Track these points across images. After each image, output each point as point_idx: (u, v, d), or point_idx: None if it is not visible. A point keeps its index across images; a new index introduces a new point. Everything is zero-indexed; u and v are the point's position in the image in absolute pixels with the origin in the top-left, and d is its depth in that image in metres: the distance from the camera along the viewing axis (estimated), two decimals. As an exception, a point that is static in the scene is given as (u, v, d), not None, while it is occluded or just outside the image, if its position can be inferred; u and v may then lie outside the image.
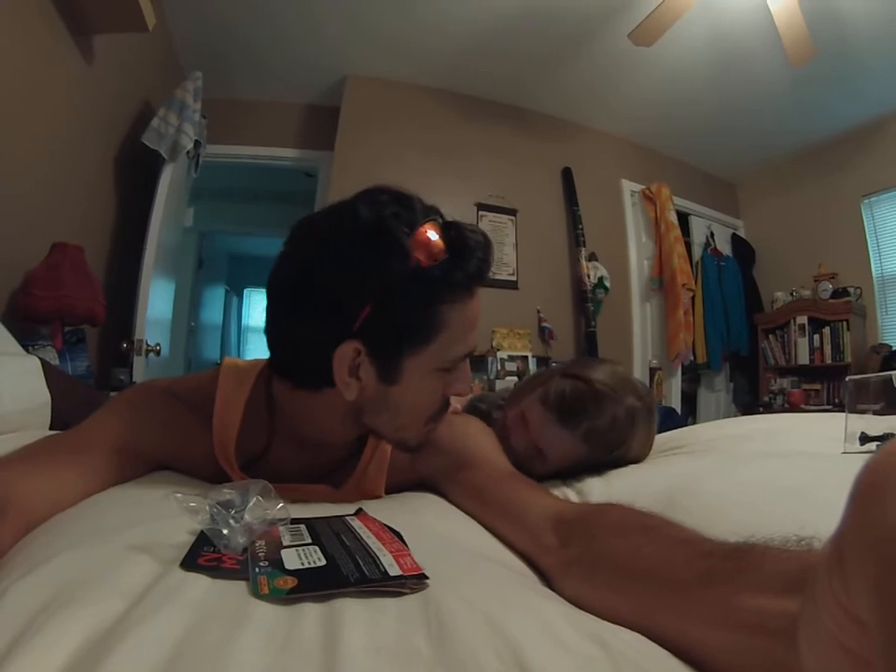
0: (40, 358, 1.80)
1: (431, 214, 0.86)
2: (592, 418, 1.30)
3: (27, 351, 2.05)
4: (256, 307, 9.13)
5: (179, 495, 0.64)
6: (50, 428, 1.54)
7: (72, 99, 2.86)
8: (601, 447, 1.31)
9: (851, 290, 5.16)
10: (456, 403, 1.29)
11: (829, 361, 5.15)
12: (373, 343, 0.84)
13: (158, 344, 3.45)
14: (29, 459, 0.81)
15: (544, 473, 1.34)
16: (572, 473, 1.33)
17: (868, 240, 5.25)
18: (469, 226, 0.88)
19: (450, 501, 1.01)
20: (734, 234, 6.25)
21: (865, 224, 5.27)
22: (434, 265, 0.82)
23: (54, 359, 2.34)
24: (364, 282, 0.81)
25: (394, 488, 1.08)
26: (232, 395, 1.00)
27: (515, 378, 4.35)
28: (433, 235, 0.83)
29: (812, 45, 3.45)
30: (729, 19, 3.83)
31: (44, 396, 1.62)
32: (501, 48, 4.32)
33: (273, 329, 0.91)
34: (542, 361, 4.74)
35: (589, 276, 5.02)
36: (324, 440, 1.01)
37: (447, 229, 0.85)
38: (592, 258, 5.11)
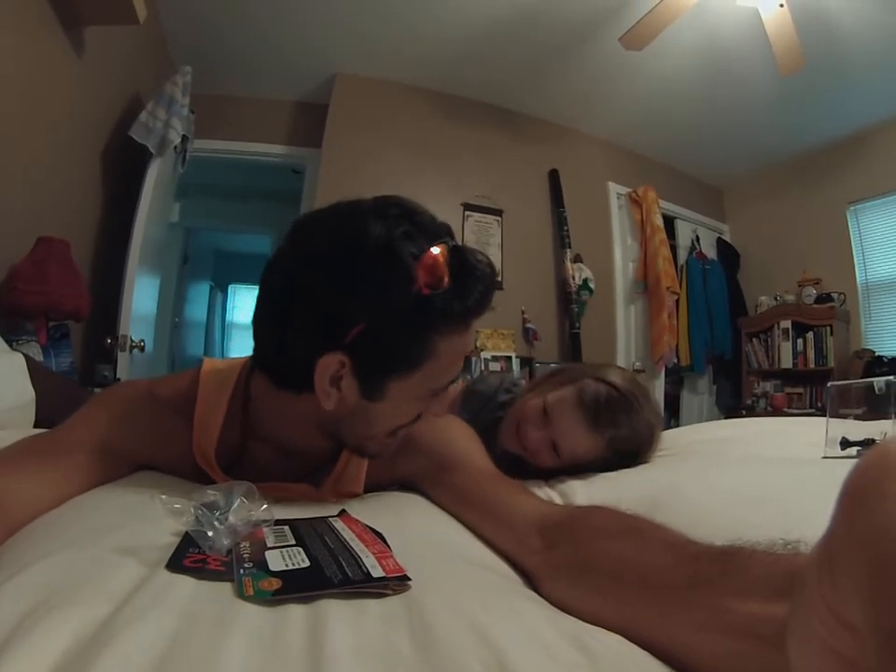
0: (25, 355, 1.79)
1: (442, 234, 0.84)
2: (620, 426, 1.34)
3: (11, 347, 2.03)
4: (240, 304, 9.08)
5: (164, 496, 0.65)
6: (35, 426, 1.53)
7: (61, 91, 2.84)
8: (619, 454, 1.34)
9: (835, 296, 5.20)
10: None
11: (812, 366, 5.18)
12: (360, 360, 0.82)
13: (142, 340, 3.43)
14: (10, 461, 0.80)
15: (548, 467, 1.38)
16: (570, 471, 1.35)
17: (853, 247, 5.30)
18: (477, 253, 0.85)
19: (433, 503, 1.00)
20: (719, 238, 6.28)
21: (850, 231, 5.32)
22: (435, 294, 0.79)
23: (38, 355, 2.33)
24: (362, 300, 0.79)
25: (375, 488, 1.08)
26: (213, 398, 0.98)
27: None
28: (439, 260, 0.79)
29: (801, 54, 3.48)
30: (720, 25, 3.85)
31: (29, 394, 1.61)
32: (491, 50, 4.33)
33: (262, 323, 0.89)
34: (526, 362, 4.75)
35: (574, 278, 5.03)
36: (297, 444, 1.00)
37: (454, 254, 0.82)
38: (577, 259, 5.12)
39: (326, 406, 0.84)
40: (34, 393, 1.61)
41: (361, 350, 0.80)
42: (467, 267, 0.82)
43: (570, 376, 1.44)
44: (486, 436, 1.39)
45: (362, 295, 0.78)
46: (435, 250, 0.79)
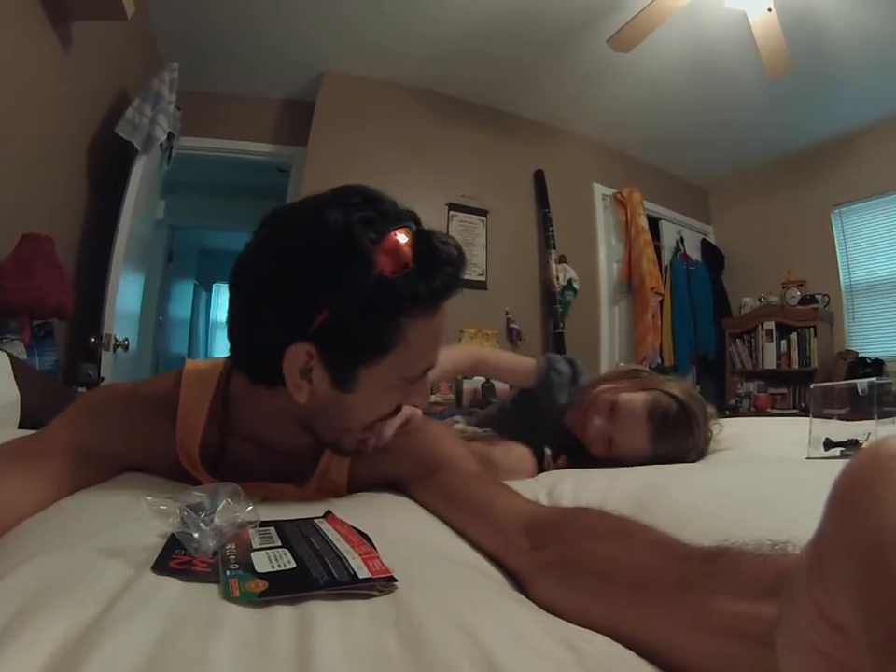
0: (9, 354, 1.78)
1: (405, 219, 0.83)
2: (676, 445, 1.47)
3: (-6, 345, 2.01)
4: (225, 303, 8.98)
5: (150, 498, 0.64)
6: (20, 426, 1.52)
7: (48, 87, 2.81)
8: (659, 461, 1.42)
9: (819, 297, 5.25)
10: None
11: (795, 366, 5.22)
12: (327, 349, 0.81)
13: (126, 339, 3.41)
14: None
15: (596, 456, 1.55)
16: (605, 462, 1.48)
17: (837, 249, 5.35)
18: (443, 236, 0.84)
19: (419, 504, 1.00)
20: (704, 240, 6.32)
21: (835, 233, 5.37)
22: (398, 276, 0.78)
23: (22, 354, 2.31)
24: (323, 287, 0.79)
25: (360, 489, 1.07)
26: (196, 399, 0.98)
27: (482, 378, 4.33)
28: (401, 243, 0.79)
29: (789, 57, 3.51)
30: (708, 28, 3.88)
31: (13, 393, 1.59)
32: (479, 49, 4.33)
33: (233, 319, 0.90)
34: (509, 362, 4.72)
35: (558, 278, 5.04)
36: (278, 442, 1.00)
37: (418, 237, 0.81)
38: (561, 260, 5.12)
39: (298, 399, 0.84)
40: (18, 393, 1.60)
41: (328, 339, 0.80)
42: (432, 250, 0.81)
43: (645, 383, 1.55)
44: (548, 415, 1.65)
45: (323, 283, 0.78)
46: (397, 234, 0.79)
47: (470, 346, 1.69)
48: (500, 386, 3.88)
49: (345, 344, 0.82)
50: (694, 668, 0.48)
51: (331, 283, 0.78)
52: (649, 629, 0.53)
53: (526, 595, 0.67)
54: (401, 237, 0.79)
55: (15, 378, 1.63)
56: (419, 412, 1.20)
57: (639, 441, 1.48)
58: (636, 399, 1.50)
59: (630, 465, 1.38)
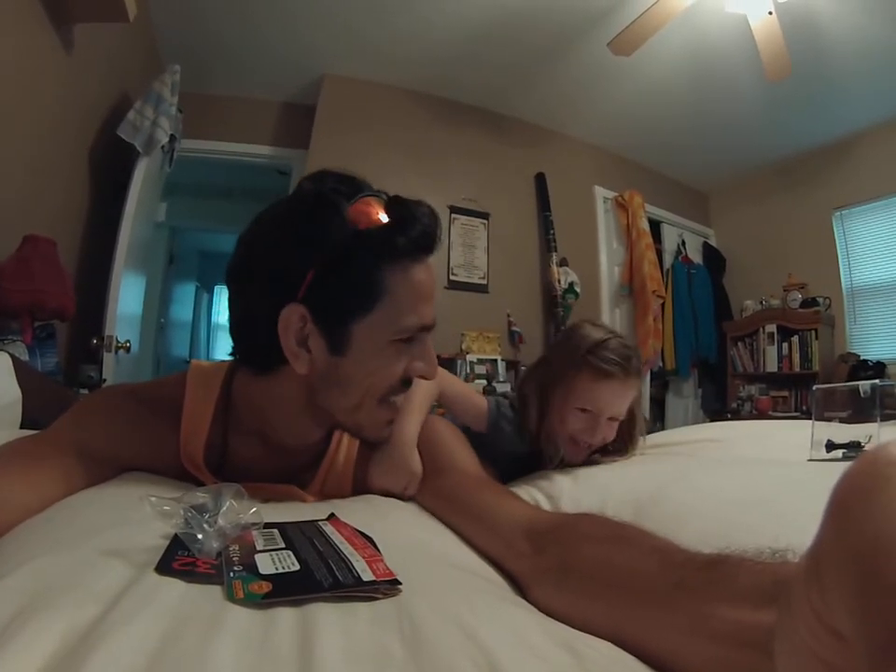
0: (10, 355, 1.77)
1: (377, 192, 0.89)
2: (633, 353, 1.45)
3: (-4, 346, 2.01)
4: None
5: (153, 498, 0.64)
6: (21, 427, 1.52)
7: (49, 89, 2.81)
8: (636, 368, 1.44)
9: (820, 300, 5.25)
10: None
11: (797, 369, 5.22)
12: (318, 309, 0.85)
13: (128, 341, 3.41)
14: None
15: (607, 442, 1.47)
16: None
17: (838, 251, 5.35)
18: (416, 200, 0.89)
19: (422, 506, 1.01)
20: (705, 243, 6.33)
21: (836, 236, 5.37)
22: (374, 229, 0.83)
23: (23, 354, 2.30)
24: (305, 248, 0.84)
25: (364, 490, 1.08)
26: (200, 401, 1.00)
27: (484, 381, 4.34)
28: (373, 204, 0.85)
29: (789, 60, 3.51)
30: (708, 32, 3.88)
31: (14, 393, 1.59)
32: (480, 53, 4.34)
33: (230, 311, 0.93)
34: (511, 365, 4.76)
35: (559, 281, 5.04)
36: (284, 436, 1.00)
37: (390, 201, 0.88)
38: (563, 263, 5.13)
39: (298, 369, 0.86)
40: (20, 393, 1.60)
41: (317, 299, 0.84)
42: (405, 208, 0.87)
43: (565, 367, 1.43)
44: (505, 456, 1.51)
45: (304, 245, 0.84)
46: (367, 198, 0.86)
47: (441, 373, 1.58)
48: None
49: (334, 301, 0.85)
50: None
51: (312, 242, 0.84)
52: (647, 634, 0.53)
53: (526, 599, 0.67)
54: (372, 200, 0.86)
55: (16, 379, 1.63)
56: (419, 408, 1.20)
57: (626, 393, 1.42)
58: (583, 379, 1.39)
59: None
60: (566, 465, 1.43)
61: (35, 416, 1.53)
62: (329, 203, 0.84)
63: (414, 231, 0.86)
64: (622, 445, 1.51)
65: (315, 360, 0.87)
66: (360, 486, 1.08)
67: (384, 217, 0.85)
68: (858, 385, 1.30)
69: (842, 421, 1.31)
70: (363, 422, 0.96)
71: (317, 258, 0.83)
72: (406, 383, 0.95)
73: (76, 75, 3.04)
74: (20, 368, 1.71)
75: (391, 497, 1.05)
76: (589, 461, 1.46)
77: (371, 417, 0.95)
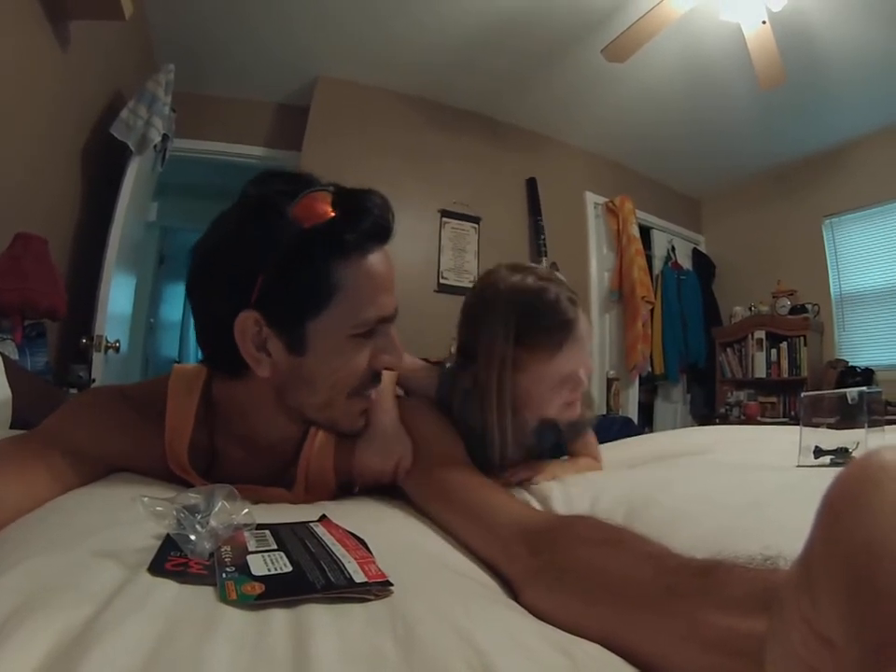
0: (0, 354, 1.76)
1: (324, 186, 0.89)
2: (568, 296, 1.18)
3: (-15, 345, 2.00)
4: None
5: (146, 499, 0.64)
6: (10, 426, 1.51)
7: (44, 86, 2.79)
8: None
9: (809, 307, 5.28)
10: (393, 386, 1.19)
11: (785, 375, 5.25)
12: (272, 312, 0.85)
13: (117, 341, 3.39)
14: None
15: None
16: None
17: (828, 258, 5.39)
18: (366, 190, 0.89)
19: (412, 500, 1.00)
20: (695, 249, 6.35)
21: (825, 243, 5.41)
22: (320, 225, 0.84)
23: (13, 354, 2.29)
24: (253, 253, 0.84)
25: (348, 480, 1.08)
26: (182, 404, 1.00)
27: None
28: (316, 200, 0.85)
29: (783, 69, 3.54)
30: (702, 40, 3.91)
31: (4, 393, 1.58)
32: (474, 58, 4.35)
33: (194, 319, 0.94)
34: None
35: (549, 286, 5.02)
36: (262, 439, 1.00)
37: (338, 194, 0.88)
38: (553, 267, 5.13)
39: (260, 373, 0.87)
40: (10, 393, 1.58)
41: (270, 302, 0.85)
42: (353, 200, 0.87)
43: (507, 356, 1.14)
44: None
45: (251, 250, 0.84)
46: (312, 194, 0.86)
47: None
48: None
49: (286, 303, 0.85)
50: None
51: (259, 247, 0.84)
52: (638, 640, 0.52)
53: (518, 602, 0.67)
54: (317, 196, 0.86)
55: (6, 378, 1.61)
56: (399, 391, 1.18)
57: (585, 345, 1.18)
58: (537, 355, 1.15)
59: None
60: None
61: (25, 416, 1.52)
62: (272, 204, 0.85)
63: (364, 222, 0.86)
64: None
65: (277, 363, 0.88)
66: (344, 477, 1.08)
67: (330, 212, 0.85)
68: (845, 392, 1.31)
69: (830, 427, 1.32)
70: (336, 417, 0.96)
71: (265, 261, 0.83)
72: (375, 376, 0.96)
73: (71, 72, 3.02)
74: (9, 367, 1.69)
75: (383, 483, 1.05)
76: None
77: (343, 412, 0.96)
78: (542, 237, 5.18)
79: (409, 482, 1.04)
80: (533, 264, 1.29)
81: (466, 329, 1.32)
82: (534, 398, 1.19)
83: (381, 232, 0.89)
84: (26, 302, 2.40)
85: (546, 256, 5.12)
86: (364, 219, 0.86)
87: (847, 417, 1.29)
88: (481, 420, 1.17)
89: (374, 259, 0.89)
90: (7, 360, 1.72)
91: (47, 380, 2.57)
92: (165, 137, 3.73)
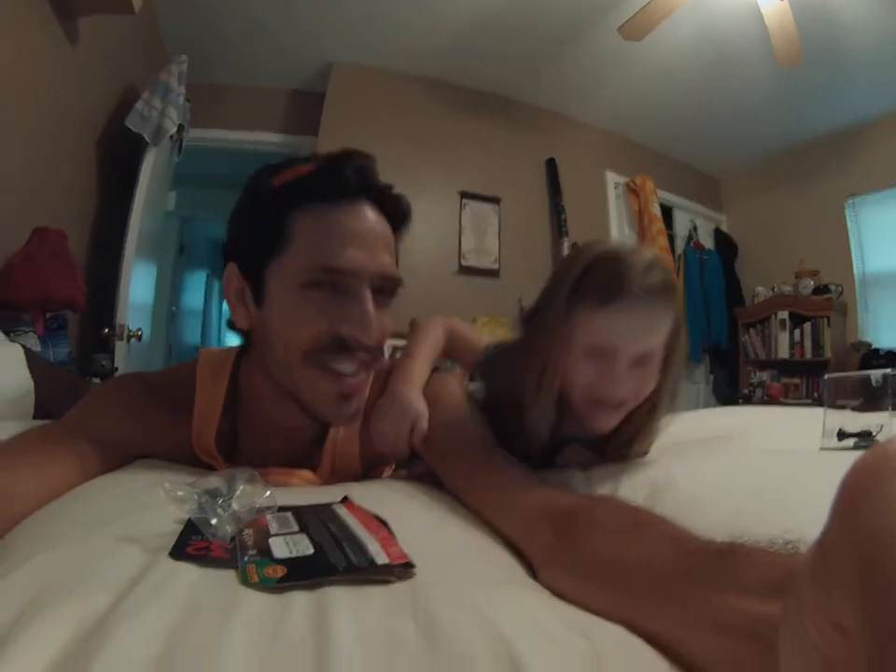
0: (22, 346, 1.78)
1: (315, 157, 0.94)
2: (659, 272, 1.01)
3: (8, 338, 2.02)
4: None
5: (167, 484, 0.64)
6: (34, 417, 1.53)
7: (56, 82, 2.81)
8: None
9: (832, 288, 5.20)
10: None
11: (808, 356, 5.18)
12: (242, 262, 0.93)
13: (139, 329, 3.42)
14: (11, 453, 0.81)
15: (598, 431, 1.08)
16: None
17: (850, 239, 5.30)
18: (347, 152, 0.92)
19: (439, 478, 0.99)
20: (716, 229, 6.28)
21: (848, 224, 5.31)
22: (289, 181, 0.89)
23: (36, 346, 2.31)
24: (238, 214, 0.95)
25: (377, 462, 1.09)
26: (211, 389, 1.00)
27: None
28: (299, 167, 0.90)
29: (800, 47, 3.48)
30: (720, 17, 3.84)
31: (27, 385, 1.60)
32: (490, 39, 4.30)
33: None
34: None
35: (571, 266, 5.01)
36: (280, 424, 1.00)
37: (319, 160, 0.92)
38: (574, 248, 5.10)
39: (238, 323, 0.94)
40: (32, 384, 1.61)
41: (239, 252, 0.94)
42: (327, 160, 0.91)
43: (562, 296, 1.04)
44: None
45: (238, 211, 0.96)
46: (298, 165, 0.91)
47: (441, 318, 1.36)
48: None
49: (249, 250, 0.91)
50: (699, 662, 0.48)
51: (241, 206, 0.96)
52: (654, 620, 0.52)
53: (536, 580, 0.66)
54: (299, 165, 0.91)
55: (29, 370, 1.64)
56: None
57: (655, 324, 1.01)
58: (590, 316, 1.00)
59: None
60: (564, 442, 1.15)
61: (48, 407, 1.54)
62: (258, 174, 0.94)
63: (330, 177, 0.88)
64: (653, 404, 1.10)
65: (252, 316, 0.92)
66: (369, 460, 1.08)
67: (303, 172, 0.89)
68: (869, 373, 1.29)
69: (854, 409, 1.30)
70: (302, 389, 0.91)
71: (242, 217, 0.94)
72: (340, 345, 0.88)
73: (82, 67, 3.03)
74: (32, 359, 1.72)
75: (401, 452, 1.05)
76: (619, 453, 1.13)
77: (308, 385, 0.90)
78: (563, 217, 5.13)
79: (431, 454, 1.02)
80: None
81: (535, 309, 1.18)
82: (559, 359, 1.04)
83: (347, 187, 0.88)
84: (45, 296, 2.43)
85: (567, 236, 5.09)
86: (331, 174, 0.88)
87: (870, 400, 1.28)
88: (518, 379, 1.08)
89: (343, 211, 0.88)
90: (29, 352, 1.75)
91: (70, 370, 2.60)
92: (181, 127, 3.73)
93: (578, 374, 1.03)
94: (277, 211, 0.87)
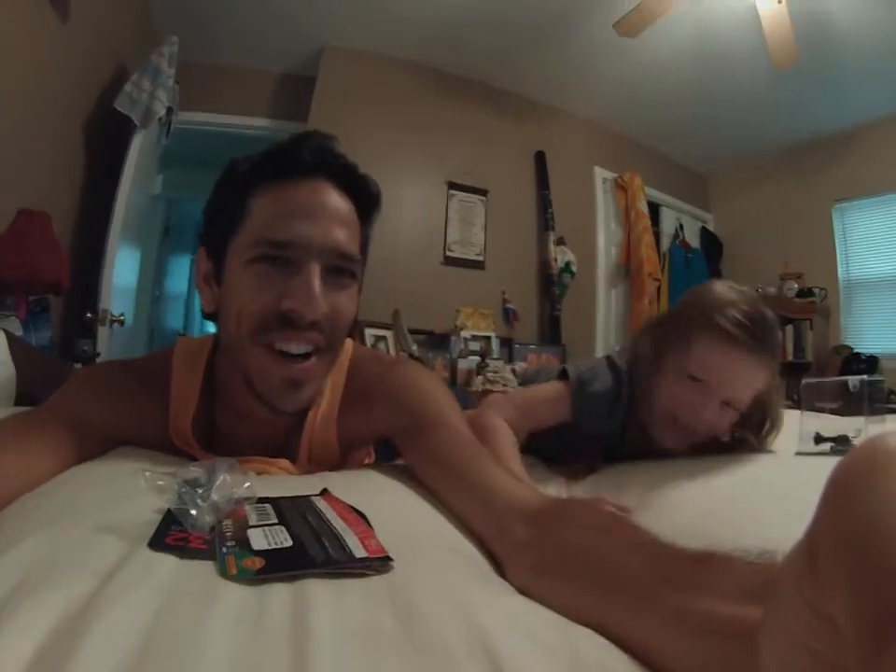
0: (4, 330, 1.76)
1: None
2: (774, 333, 1.26)
3: (-10, 322, 2.00)
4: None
5: (148, 473, 0.64)
6: (15, 403, 1.51)
7: (45, 59, 2.77)
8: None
9: (816, 291, 5.25)
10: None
11: (791, 358, 5.21)
12: (207, 245, 0.95)
13: (122, 314, 3.39)
14: None
15: (726, 431, 1.28)
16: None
17: (836, 243, 5.36)
18: (309, 132, 0.94)
19: (410, 465, 0.98)
20: (703, 227, 6.32)
21: (835, 228, 5.37)
22: (251, 164, 0.90)
23: (17, 330, 2.29)
24: (209, 200, 0.96)
25: (353, 443, 1.08)
26: (186, 377, 1.00)
27: (478, 358, 4.35)
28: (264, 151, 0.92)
29: (796, 48, 3.50)
30: (717, 16, 3.86)
31: (9, 370, 1.58)
32: (483, 26, 4.29)
33: None
34: (505, 342, 4.80)
35: (556, 260, 5.05)
36: (256, 412, 0.96)
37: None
38: (560, 242, 5.12)
39: (205, 305, 0.95)
40: (14, 369, 1.59)
41: (207, 237, 0.96)
42: (292, 138, 0.92)
43: (684, 324, 1.23)
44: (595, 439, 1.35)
45: (210, 200, 0.97)
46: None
47: (492, 399, 1.45)
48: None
49: (213, 234, 0.93)
50: (672, 665, 0.48)
51: (213, 195, 0.96)
52: (626, 623, 0.52)
53: (504, 578, 0.66)
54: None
55: (11, 354, 1.61)
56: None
57: (753, 369, 1.19)
58: (702, 344, 1.19)
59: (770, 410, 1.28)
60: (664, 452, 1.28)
61: (30, 392, 1.53)
62: (235, 160, 0.94)
63: (283, 154, 0.89)
64: (741, 442, 1.31)
65: (215, 295, 0.93)
66: (349, 443, 1.06)
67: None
68: (847, 379, 1.31)
69: (832, 412, 1.31)
70: (255, 374, 0.88)
71: (210, 201, 0.96)
72: (283, 320, 0.85)
73: (71, 46, 2.99)
74: (14, 343, 1.69)
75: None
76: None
77: (260, 368, 0.88)
78: (550, 211, 5.15)
79: (405, 442, 1.00)
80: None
81: (661, 324, 1.38)
82: (667, 372, 1.25)
83: (305, 165, 0.88)
84: (30, 277, 2.41)
85: (553, 230, 5.11)
86: (285, 152, 0.89)
87: (848, 404, 1.29)
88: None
89: (296, 188, 0.88)
90: (10, 337, 1.73)
91: (52, 355, 2.58)
92: (170, 110, 3.70)
93: (668, 393, 1.23)
94: (240, 192, 0.89)
